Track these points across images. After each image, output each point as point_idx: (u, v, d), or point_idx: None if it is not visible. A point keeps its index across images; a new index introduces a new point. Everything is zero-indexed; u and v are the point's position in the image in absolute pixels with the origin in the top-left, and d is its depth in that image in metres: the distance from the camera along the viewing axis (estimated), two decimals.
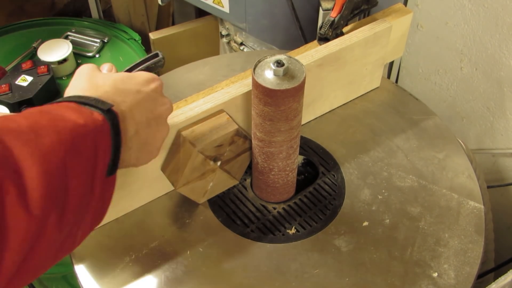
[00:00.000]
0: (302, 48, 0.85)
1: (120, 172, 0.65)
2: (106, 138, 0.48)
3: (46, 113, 0.45)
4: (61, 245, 0.45)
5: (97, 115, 0.48)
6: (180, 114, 0.67)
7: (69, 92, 0.53)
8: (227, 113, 0.69)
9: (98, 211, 0.50)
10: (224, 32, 1.24)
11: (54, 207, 0.41)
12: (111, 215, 0.71)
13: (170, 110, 0.60)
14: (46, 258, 0.43)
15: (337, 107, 0.88)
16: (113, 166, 0.50)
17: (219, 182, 0.73)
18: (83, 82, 0.53)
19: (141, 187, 0.71)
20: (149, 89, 0.57)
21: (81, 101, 0.49)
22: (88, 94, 0.51)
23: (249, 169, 0.77)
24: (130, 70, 0.63)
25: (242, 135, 0.69)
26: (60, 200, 0.42)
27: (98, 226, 0.70)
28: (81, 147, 0.45)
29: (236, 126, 0.68)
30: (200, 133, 0.67)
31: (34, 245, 0.40)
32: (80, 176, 0.44)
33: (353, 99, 0.89)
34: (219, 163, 0.69)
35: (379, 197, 0.75)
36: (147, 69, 0.62)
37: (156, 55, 0.63)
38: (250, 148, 0.72)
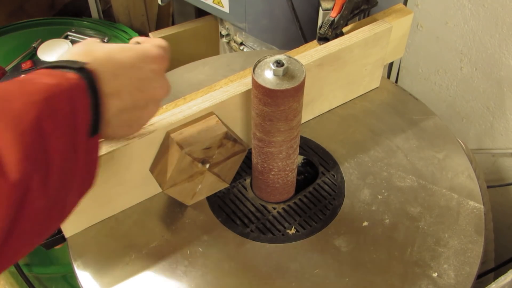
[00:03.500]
0: (301, 48, 0.85)
1: (111, 170, 0.66)
2: (83, 96, 0.47)
3: (16, 81, 0.44)
4: (49, 213, 0.43)
5: (71, 75, 0.47)
6: (171, 116, 0.67)
7: (60, 57, 0.51)
8: (217, 116, 0.69)
9: (85, 175, 0.49)
10: (224, 32, 1.24)
11: (35, 169, 0.40)
12: (107, 211, 0.71)
13: (167, 93, 0.57)
14: (33, 228, 0.42)
15: (337, 107, 0.88)
16: (95, 126, 0.49)
17: (208, 184, 0.72)
18: (78, 48, 0.51)
19: (132, 187, 0.71)
20: (148, 68, 0.54)
21: (52, 65, 0.48)
22: (77, 59, 0.49)
23: (249, 169, 0.77)
24: None
25: (232, 138, 0.69)
26: (41, 161, 0.41)
27: (97, 223, 0.71)
28: (55, 106, 0.43)
29: (225, 129, 0.68)
30: (188, 135, 0.66)
31: (19, 212, 0.39)
32: (59, 136, 0.43)
33: (353, 99, 0.89)
34: (207, 165, 0.69)
35: (379, 197, 0.75)
36: None
37: None
38: (241, 152, 0.72)
